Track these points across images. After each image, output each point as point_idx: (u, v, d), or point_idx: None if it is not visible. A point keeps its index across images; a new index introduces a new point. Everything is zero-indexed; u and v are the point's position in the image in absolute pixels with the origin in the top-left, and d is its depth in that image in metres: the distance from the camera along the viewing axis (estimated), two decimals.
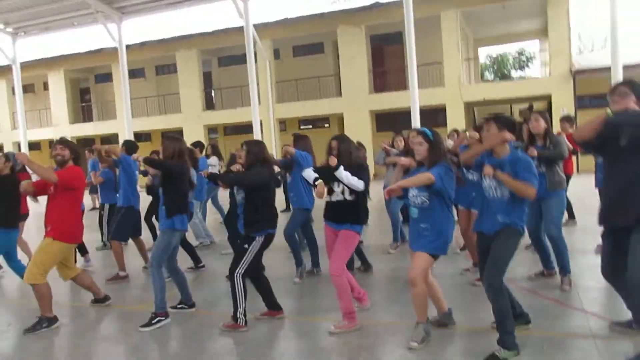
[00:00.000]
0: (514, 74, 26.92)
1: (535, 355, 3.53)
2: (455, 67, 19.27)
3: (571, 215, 8.13)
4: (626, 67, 13.95)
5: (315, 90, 22.19)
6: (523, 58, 26.04)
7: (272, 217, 4.49)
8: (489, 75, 27.69)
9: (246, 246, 4.38)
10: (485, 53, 27.27)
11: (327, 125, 23.37)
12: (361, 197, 4.36)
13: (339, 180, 4.30)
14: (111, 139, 25.58)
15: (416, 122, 17.47)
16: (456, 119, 18.71)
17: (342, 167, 4.26)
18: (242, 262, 4.35)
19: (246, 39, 19.01)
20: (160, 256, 4.64)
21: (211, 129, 24.33)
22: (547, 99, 18.74)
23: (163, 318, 4.56)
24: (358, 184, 4.23)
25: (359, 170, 4.31)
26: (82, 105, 28.18)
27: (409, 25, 16.86)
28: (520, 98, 19.09)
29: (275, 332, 4.42)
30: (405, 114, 19.77)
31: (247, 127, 22.11)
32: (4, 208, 5.28)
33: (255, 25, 19.63)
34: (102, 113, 27.00)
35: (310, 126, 23.72)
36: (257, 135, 19.27)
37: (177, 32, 23.40)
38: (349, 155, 4.33)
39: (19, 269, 5.64)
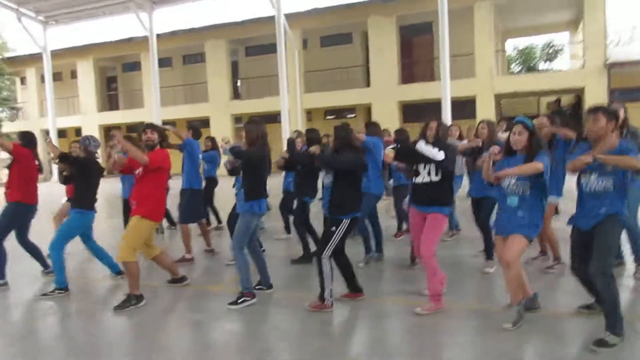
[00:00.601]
0: (542, 66, 26.66)
1: (629, 341, 3.60)
2: (487, 59, 19.21)
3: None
4: None
5: (343, 80, 22.23)
6: (551, 50, 25.74)
7: (357, 200, 4.60)
8: (514, 68, 27.46)
9: (333, 229, 4.50)
10: (512, 45, 27.04)
11: (353, 115, 23.42)
12: (447, 178, 4.46)
13: (425, 163, 4.41)
14: (137, 127, 25.83)
15: (447, 113, 17.48)
16: (486, 111, 18.66)
17: (422, 141, 4.40)
18: (329, 244, 4.47)
19: (277, 29, 19.09)
20: (242, 238, 4.76)
21: (237, 119, 24.50)
22: (579, 92, 18.62)
23: (249, 298, 4.70)
24: (438, 154, 4.31)
25: (444, 148, 4.40)
26: (109, 93, 28.50)
27: (443, 17, 16.79)
28: (552, 91, 18.98)
29: (358, 312, 4.53)
30: (433, 105, 19.74)
31: (271, 117, 22.24)
32: (82, 190, 5.45)
33: (285, 15, 19.71)
34: (129, 101, 27.29)
35: (334, 116, 23.79)
36: (285, 124, 19.40)
37: (206, 22, 23.39)
38: (444, 137, 4.47)
39: (95, 250, 5.81)
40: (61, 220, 6.90)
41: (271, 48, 23.95)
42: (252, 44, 25.05)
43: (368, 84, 21.84)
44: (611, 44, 32.45)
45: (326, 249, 4.47)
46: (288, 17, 20.11)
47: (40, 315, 4.89)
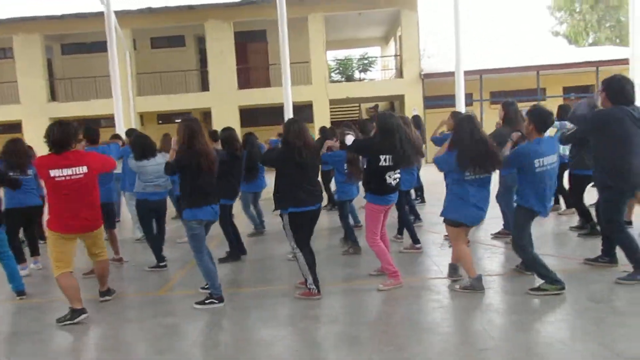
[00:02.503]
0: (357, 76, 29.35)
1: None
2: (322, 67, 20.58)
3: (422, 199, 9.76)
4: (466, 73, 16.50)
5: (178, 84, 21.58)
6: (366, 62, 28.54)
7: (293, 196, 4.70)
8: (334, 77, 29.72)
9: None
10: (332, 56, 29.24)
11: None
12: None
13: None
14: None
15: (289, 117, 18.28)
16: (322, 115, 20.09)
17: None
18: (288, 237, 4.76)
19: (107, 27, 17.68)
20: (196, 246, 4.68)
21: None
22: (400, 98, 21.11)
23: (217, 302, 4.62)
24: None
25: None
26: None
27: (282, 25, 17.52)
28: (376, 97, 21.21)
29: (333, 295, 4.78)
30: (269, 110, 20.56)
31: (96, 121, 20.66)
32: None
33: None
34: None
35: (161, 122, 22.93)
36: (119, 129, 18.09)
37: (15, 13, 20.51)
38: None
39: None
40: None
41: (92, 46, 22.16)
42: (69, 42, 22.80)
43: (204, 88, 21.60)
44: None
45: (290, 241, 4.70)
46: (117, 14, 18.80)
47: None
